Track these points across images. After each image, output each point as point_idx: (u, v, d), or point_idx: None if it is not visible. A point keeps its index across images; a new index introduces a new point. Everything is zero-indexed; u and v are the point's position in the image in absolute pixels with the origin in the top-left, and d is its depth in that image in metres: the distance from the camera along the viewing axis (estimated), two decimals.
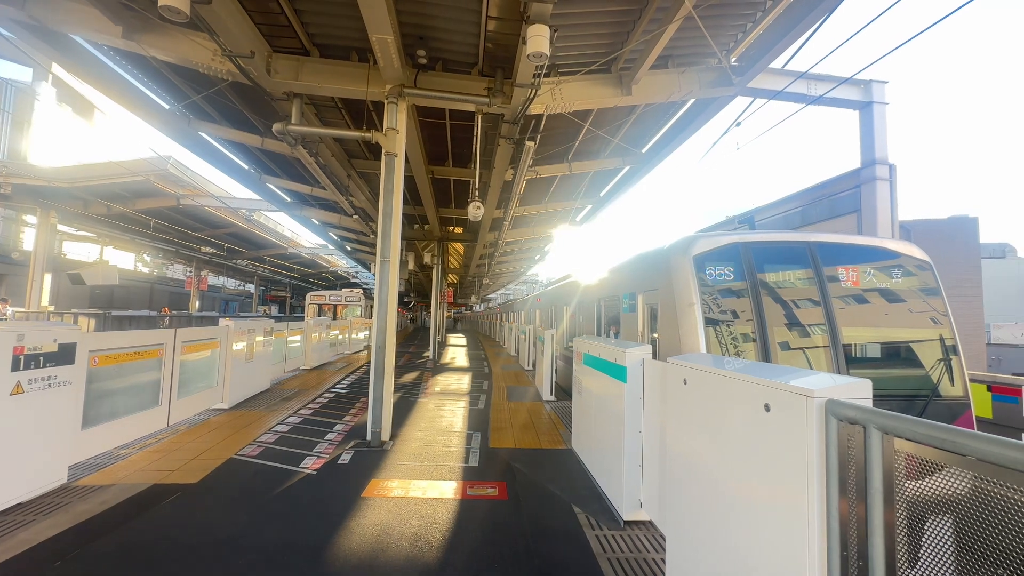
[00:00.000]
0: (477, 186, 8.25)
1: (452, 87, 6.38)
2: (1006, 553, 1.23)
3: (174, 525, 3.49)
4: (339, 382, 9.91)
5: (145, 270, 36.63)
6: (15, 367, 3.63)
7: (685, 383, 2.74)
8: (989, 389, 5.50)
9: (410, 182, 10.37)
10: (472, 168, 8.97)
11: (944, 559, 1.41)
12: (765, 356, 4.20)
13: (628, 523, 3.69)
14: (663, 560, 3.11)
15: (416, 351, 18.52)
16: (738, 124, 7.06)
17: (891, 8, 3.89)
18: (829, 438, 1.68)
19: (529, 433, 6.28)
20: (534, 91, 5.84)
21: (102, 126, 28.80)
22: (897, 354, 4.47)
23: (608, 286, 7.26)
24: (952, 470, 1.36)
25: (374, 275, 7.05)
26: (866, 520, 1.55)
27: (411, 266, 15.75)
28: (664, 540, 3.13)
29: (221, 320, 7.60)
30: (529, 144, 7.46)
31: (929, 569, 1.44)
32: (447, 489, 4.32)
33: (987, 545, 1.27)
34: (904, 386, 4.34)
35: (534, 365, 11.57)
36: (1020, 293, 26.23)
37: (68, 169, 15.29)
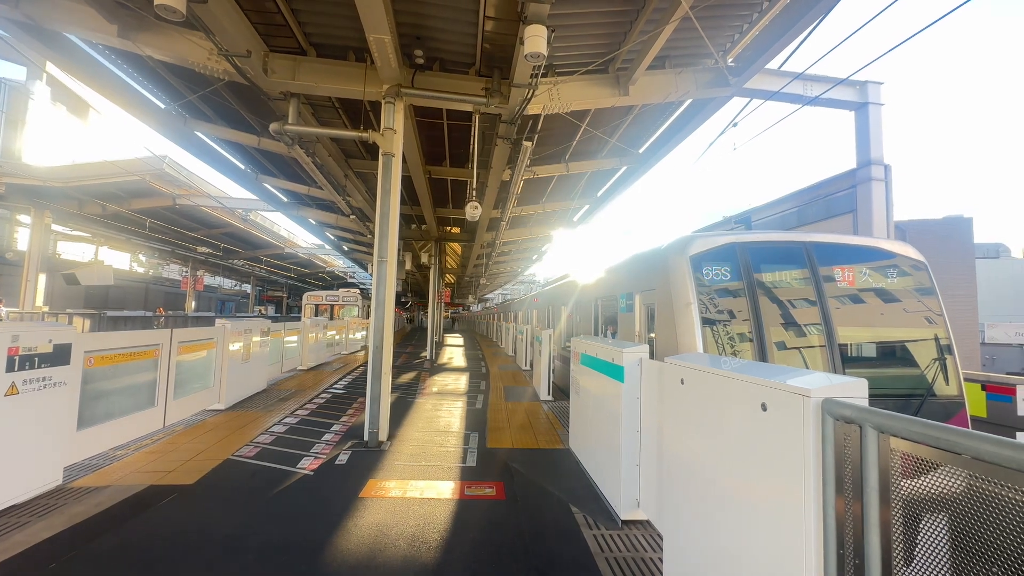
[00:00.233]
0: (474, 186, 8.25)
1: (449, 87, 6.38)
2: (1000, 551, 1.24)
3: (170, 526, 3.48)
4: (336, 382, 9.88)
5: (140, 270, 36.44)
6: (10, 368, 3.61)
7: (682, 383, 2.74)
8: (983, 388, 5.53)
9: (407, 182, 10.37)
10: (469, 168, 8.97)
11: (939, 557, 1.42)
12: (762, 356, 4.22)
13: (626, 522, 3.70)
14: (660, 559, 3.12)
15: (413, 351, 18.50)
16: (735, 124, 7.09)
17: (887, 9, 3.92)
18: (825, 437, 1.69)
19: (527, 433, 6.29)
20: (531, 91, 5.85)
21: (97, 125, 28.64)
22: (892, 353, 4.50)
23: (605, 286, 7.27)
24: (947, 469, 1.37)
25: (371, 275, 7.04)
26: (862, 518, 1.56)
27: (408, 266, 15.73)
28: (661, 539, 3.14)
29: (217, 320, 7.57)
30: (526, 144, 7.47)
31: (924, 567, 1.45)
32: (445, 489, 4.32)
33: (982, 543, 1.28)
34: (899, 385, 4.37)
35: (531, 365, 11.58)
36: (1014, 293, 26.42)
37: (63, 169, 15.21)
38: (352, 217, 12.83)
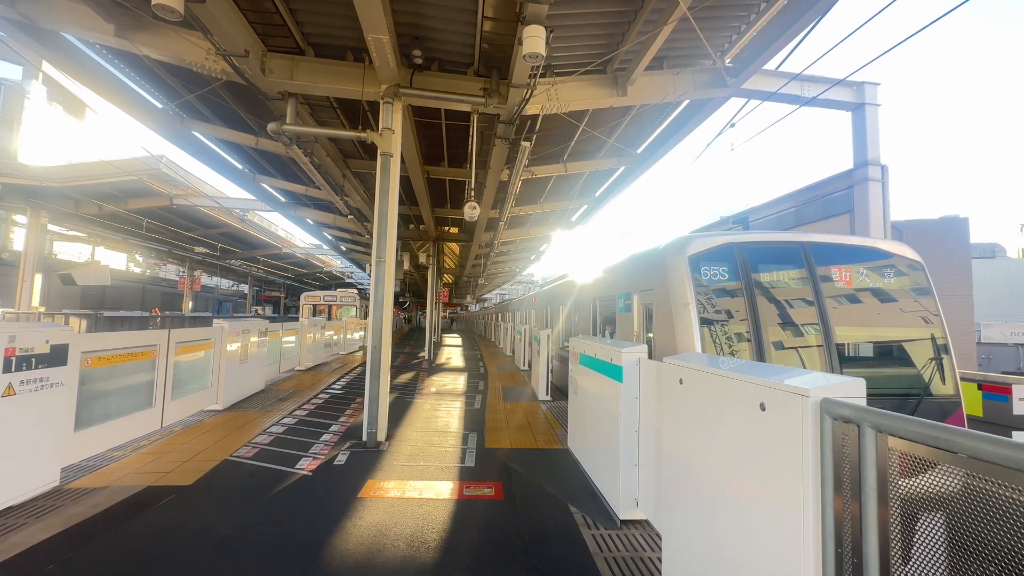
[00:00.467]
0: (473, 186, 8.26)
1: (448, 87, 6.38)
2: (997, 549, 1.25)
3: (168, 527, 3.47)
4: (334, 383, 9.87)
5: (137, 270, 36.30)
6: (7, 369, 3.60)
7: (681, 383, 2.75)
8: (980, 387, 5.56)
9: (406, 182, 10.36)
10: (468, 168, 8.97)
11: (936, 555, 1.43)
12: (759, 356, 4.23)
13: (624, 522, 3.71)
14: (659, 559, 3.12)
15: (412, 351, 18.48)
16: (732, 125, 7.11)
17: (884, 10, 3.93)
18: (824, 437, 1.70)
19: (525, 433, 6.29)
20: (530, 91, 5.85)
21: (94, 125, 28.51)
22: (890, 353, 4.52)
23: (604, 286, 7.28)
24: (944, 468, 1.38)
25: (369, 275, 7.03)
26: (860, 517, 1.57)
27: (406, 266, 15.72)
28: (660, 539, 3.15)
29: (215, 321, 7.55)
30: (525, 144, 7.47)
31: (922, 565, 1.46)
32: (443, 489, 4.32)
33: (978, 541, 1.29)
34: (897, 385, 4.39)
35: (530, 365, 11.58)
36: (1009, 293, 26.55)
37: (59, 168, 15.15)
38: (350, 217, 12.81)
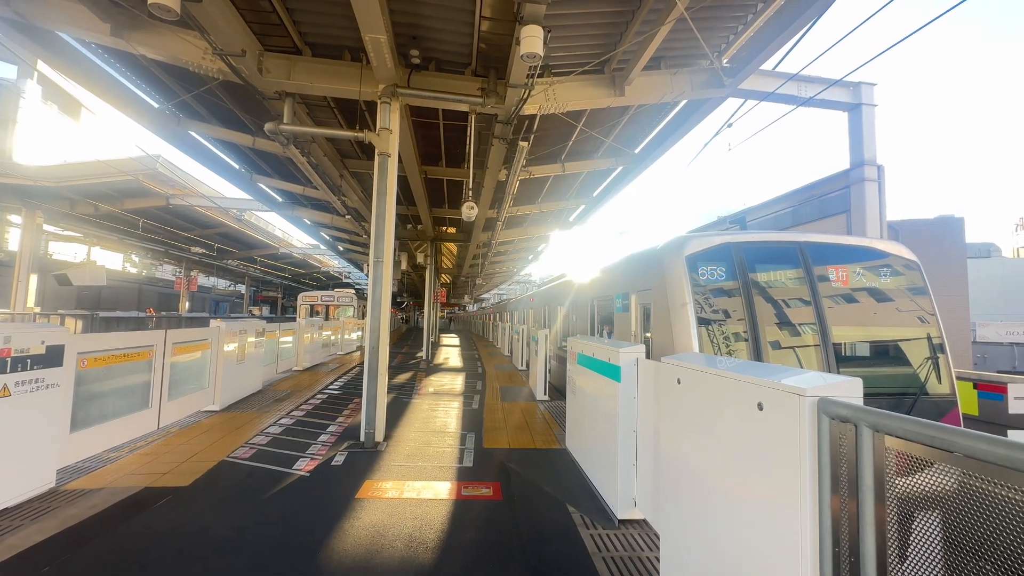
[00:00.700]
0: (471, 186, 8.26)
1: (445, 87, 6.37)
2: (992, 547, 1.26)
3: (165, 528, 3.45)
4: (332, 383, 9.85)
5: (133, 271, 36.14)
6: (1, 370, 3.57)
7: (679, 382, 2.76)
8: (975, 387, 5.59)
9: (403, 182, 10.35)
10: (466, 168, 8.96)
11: (933, 554, 1.44)
12: (757, 355, 4.25)
13: (622, 522, 3.71)
14: (657, 559, 3.13)
15: (409, 351, 18.45)
16: (729, 125, 7.13)
17: (881, 11, 3.95)
18: (821, 436, 1.71)
19: (523, 433, 6.29)
20: (527, 91, 5.85)
21: (89, 125, 28.37)
22: (886, 352, 4.54)
23: (601, 286, 7.29)
24: (940, 467, 1.38)
25: (367, 275, 7.02)
26: (857, 516, 1.57)
27: (404, 266, 15.70)
28: (658, 538, 3.16)
29: (212, 321, 7.52)
30: (523, 144, 7.47)
31: (919, 564, 1.46)
32: (441, 490, 4.32)
33: (974, 539, 1.30)
34: (893, 384, 4.41)
35: (528, 365, 11.59)
36: (1004, 292, 26.69)
37: (54, 168, 15.06)
38: (348, 217, 12.79)
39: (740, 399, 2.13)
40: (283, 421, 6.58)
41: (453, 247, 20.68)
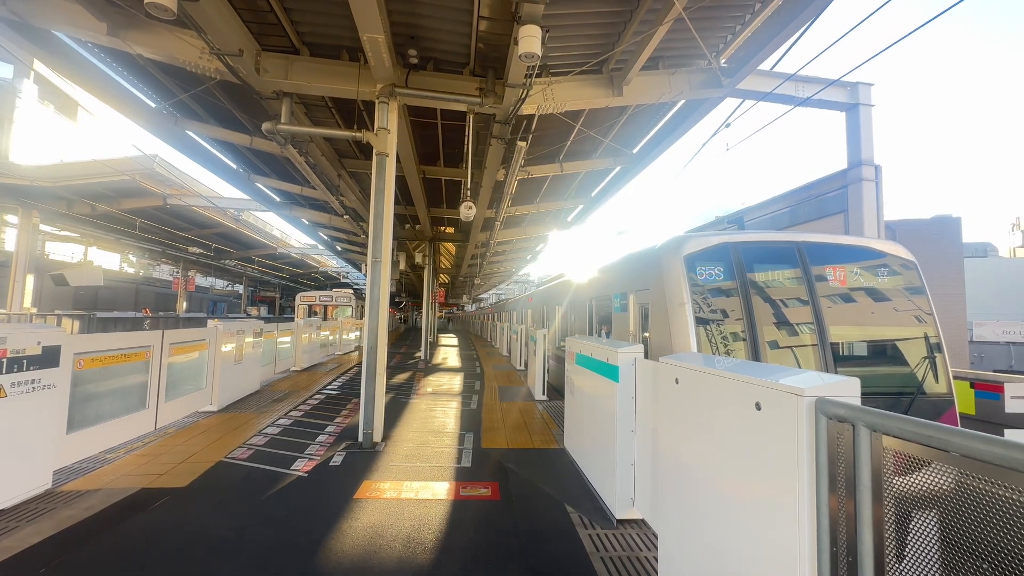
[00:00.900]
0: (469, 186, 8.25)
1: (443, 87, 6.36)
2: (989, 546, 1.26)
3: (163, 529, 3.44)
4: (330, 383, 9.83)
5: (131, 271, 36.02)
6: None
7: (677, 382, 2.76)
8: (972, 386, 5.61)
9: (401, 182, 10.33)
10: (464, 168, 8.96)
11: (930, 553, 1.44)
12: (755, 355, 4.25)
13: (621, 522, 3.71)
14: (656, 558, 3.13)
15: (408, 351, 18.44)
16: (728, 125, 7.14)
17: (878, 11, 3.96)
18: (819, 436, 1.71)
19: (521, 433, 6.29)
20: (526, 91, 5.85)
21: (86, 124, 28.27)
22: (883, 352, 4.55)
23: (599, 286, 7.29)
24: (937, 466, 1.39)
25: (365, 275, 7.01)
26: (855, 516, 1.57)
27: (402, 266, 15.67)
28: (657, 538, 3.16)
29: (209, 321, 7.50)
30: (521, 144, 7.47)
31: (916, 563, 1.46)
32: (440, 490, 4.31)
33: (972, 538, 1.30)
34: (890, 384, 4.42)
35: (526, 365, 11.59)
36: (1001, 292, 26.79)
37: (51, 168, 15.01)
38: (346, 217, 12.77)
39: (738, 399, 2.14)
40: (281, 422, 6.57)
41: (451, 247, 20.66)
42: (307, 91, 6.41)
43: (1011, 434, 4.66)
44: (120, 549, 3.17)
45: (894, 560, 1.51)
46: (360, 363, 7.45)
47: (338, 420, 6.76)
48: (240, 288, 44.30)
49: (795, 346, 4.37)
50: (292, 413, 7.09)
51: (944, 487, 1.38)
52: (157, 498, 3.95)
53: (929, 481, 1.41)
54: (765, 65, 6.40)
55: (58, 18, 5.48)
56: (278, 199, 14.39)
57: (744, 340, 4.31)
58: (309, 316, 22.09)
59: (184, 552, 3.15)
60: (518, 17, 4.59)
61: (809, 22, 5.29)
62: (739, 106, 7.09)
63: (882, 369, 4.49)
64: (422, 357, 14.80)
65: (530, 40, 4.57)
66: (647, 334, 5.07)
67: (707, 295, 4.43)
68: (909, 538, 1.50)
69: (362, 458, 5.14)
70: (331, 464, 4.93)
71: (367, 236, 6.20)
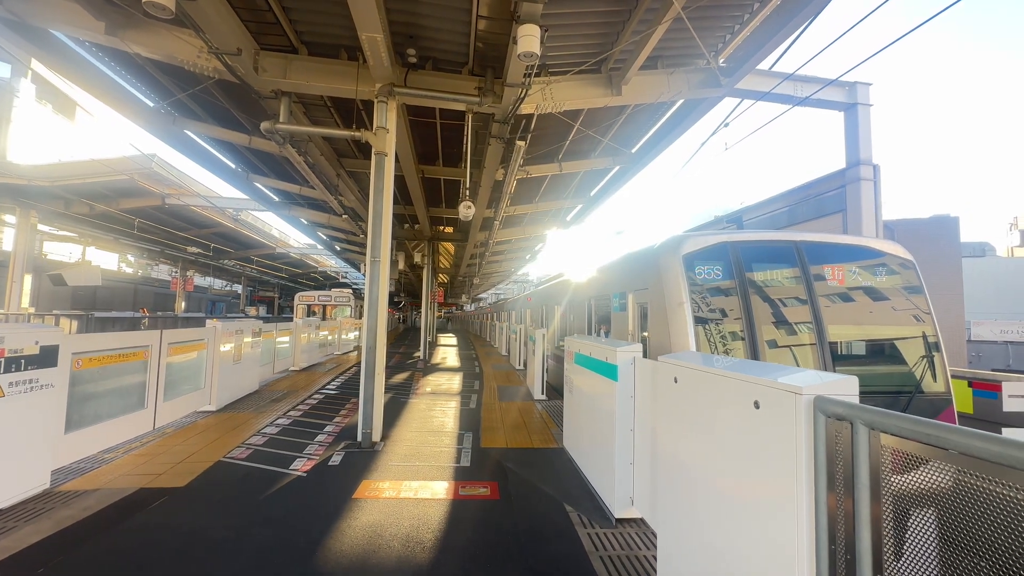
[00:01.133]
0: (467, 185, 8.24)
1: (442, 86, 6.36)
2: (986, 544, 1.26)
3: (161, 529, 3.44)
4: (329, 383, 9.82)
5: (129, 271, 35.94)
6: None
7: (676, 381, 2.76)
8: (970, 385, 5.62)
9: (400, 181, 10.32)
10: (463, 167, 8.95)
11: (928, 551, 1.44)
12: (753, 354, 4.26)
13: (620, 521, 3.72)
14: (655, 557, 3.13)
15: (407, 351, 18.43)
16: (726, 125, 7.13)
17: (876, 11, 3.96)
18: (817, 434, 1.71)
19: (520, 432, 6.29)
20: (524, 91, 5.85)
21: (84, 124, 28.20)
22: (882, 351, 4.56)
23: (598, 285, 7.30)
24: (936, 464, 1.39)
25: (364, 275, 7.00)
26: (853, 514, 1.58)
27: (401, 266, 15.67)
28: (656, 537, 3.16)
29: (208, 321, 7.49)
30: (520, 144, 7.46)
31: (914, 561, 1.47)
32: (439, 489, 4.31)
33: (969, 536, 1.31)
34: (889, 382, 4.43)
35: (525, 364, 11.59)
36: (999, 291, 26.86)
37: (49, 167, 14.96)
38: (344, 217, 12.76)
39: (737, 398, 2.14)
40: (280, 421, 6.56)
41: (450, 247, 20.66)
42: (306, 90, 6.40)
43: (1009, 432, 4.66)
44: (118, 549, 3.16)
45: (892, 558, 1.52)
46: (359, 363, 7.44)
47: (337, 420, 6.75)
48: (239, 288, 44.23)
49: (794, 345, 4.38)
50: (291, 413, 7.08)
51: (942, 485, 1.38)
52: (155, 498, 3.95)
53: (927, 479, 1.41)
54: (764, 65, 6.41)
55: (56, 17, 5.46)
56: (277, 199, 14.37)
57: (743, 339, 4.31)
58: (308, 316, 22.07)
59: (183, 552, 3.15)
60: (517, 16, 4.59)
61: (807, 22, 5.30)
62: (738, 106, 7.09)
63: (880, 368, 4.50)
64: (421, 357, 14.79)
65: (529, 39, 4.57)
66: (646, 333, 5.08)
67: (706, 294, 4.43)
68: (907, 536, 1.51)
69: (361, 458, 5.13)
70: (330, 464, 4.92)
71: (366, 236, 6.19)
